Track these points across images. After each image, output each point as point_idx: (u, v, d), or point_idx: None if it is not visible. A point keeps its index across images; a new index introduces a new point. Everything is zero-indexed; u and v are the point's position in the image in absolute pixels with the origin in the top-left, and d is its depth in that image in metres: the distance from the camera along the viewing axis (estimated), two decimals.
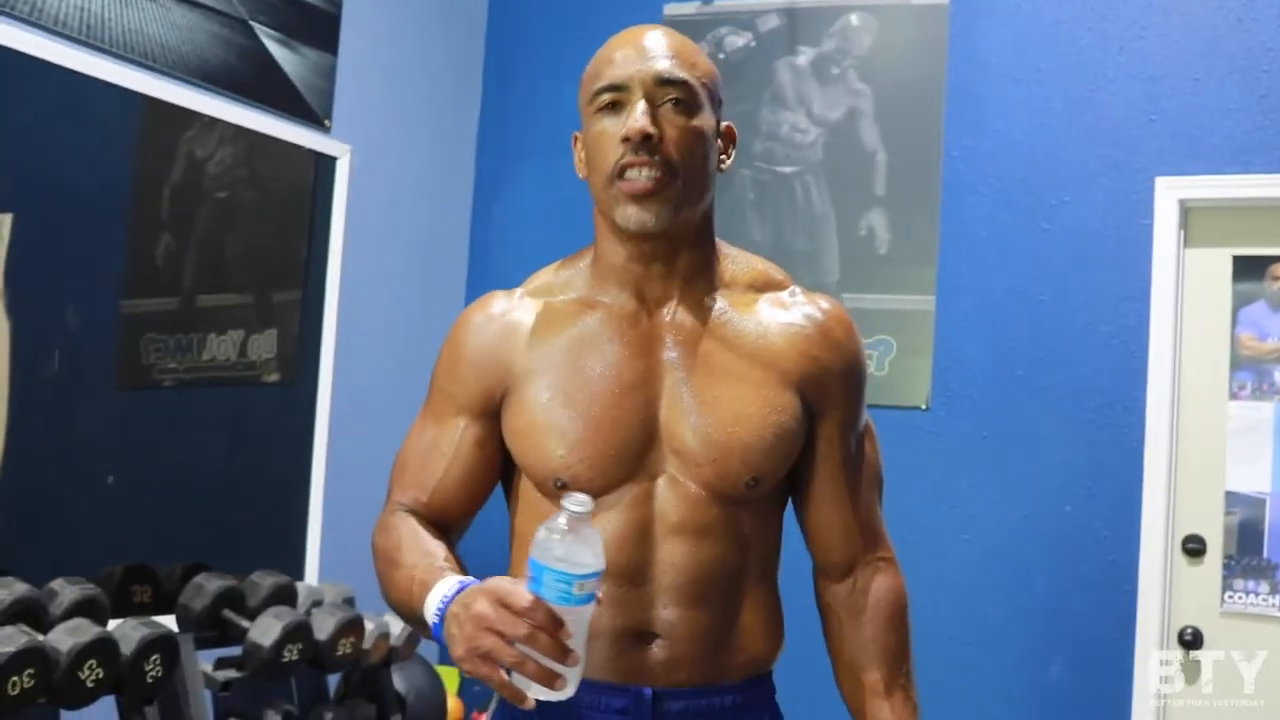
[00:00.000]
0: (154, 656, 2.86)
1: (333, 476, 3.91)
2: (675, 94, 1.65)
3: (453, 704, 4.04)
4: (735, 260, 1.80)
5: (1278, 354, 3.61)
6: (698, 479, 1.66)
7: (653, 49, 1.67)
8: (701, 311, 1.72)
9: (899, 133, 3.99)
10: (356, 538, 3.91)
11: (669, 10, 4.27)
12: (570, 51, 4.44)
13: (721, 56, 4.20)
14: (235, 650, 3.19)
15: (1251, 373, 3.63)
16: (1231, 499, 3.62)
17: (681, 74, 1.66)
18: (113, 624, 2.87)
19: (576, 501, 1.39)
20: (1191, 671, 3.60)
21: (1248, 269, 3.66)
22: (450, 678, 4.20)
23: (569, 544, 1.38)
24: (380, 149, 4.10)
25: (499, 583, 1.41)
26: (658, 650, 1.65)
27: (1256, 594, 3.57)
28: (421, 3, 4.33)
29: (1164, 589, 3.61)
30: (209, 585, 3.22)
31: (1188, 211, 3.71)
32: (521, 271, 4.65)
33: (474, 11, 4.60)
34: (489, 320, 1.75)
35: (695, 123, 1.67)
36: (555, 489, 1.64)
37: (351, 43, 3.95)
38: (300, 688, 3.61)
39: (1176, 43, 3.71)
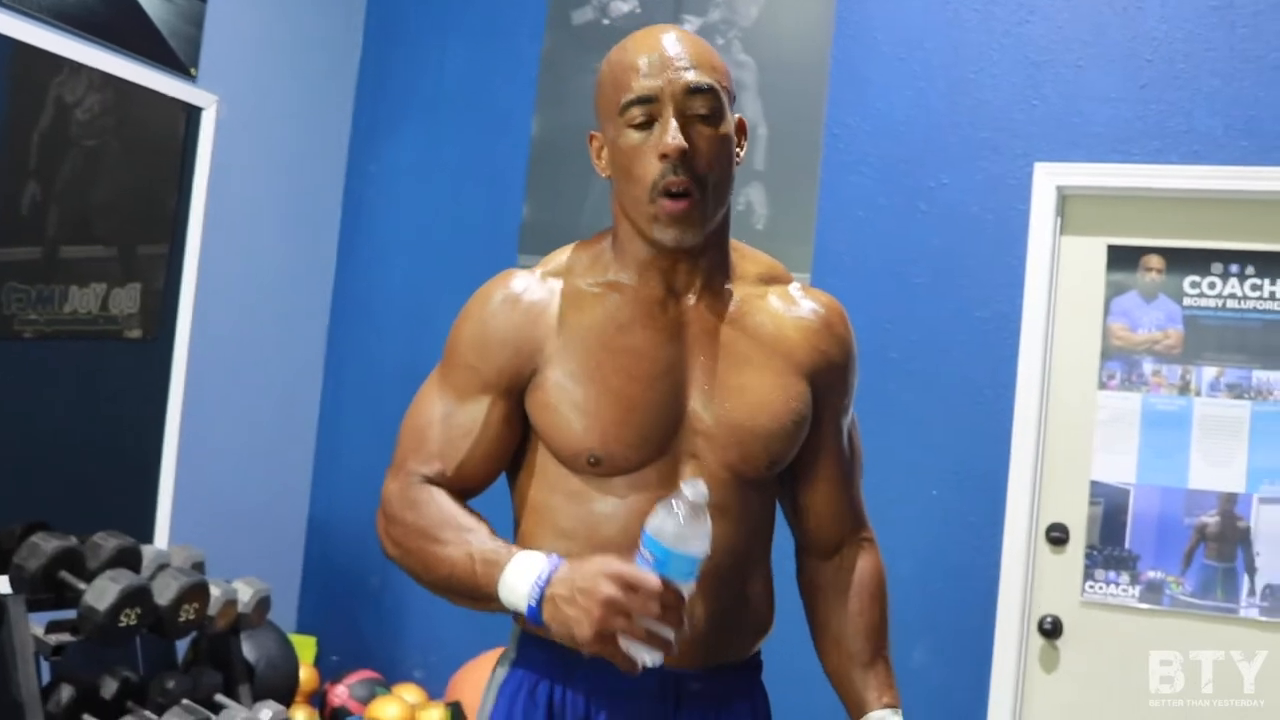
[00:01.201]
0: None
1: (188, 438, 3.80)
2: (704, 103, 1.70)
3: (306, 673, 3.95)
4: (745, 255, 1.89)
5: (1148, 345, 3.61)
6: (722, 461, 1.75)
7: (677, 57, 1.71)
8: (722, 302, 1.81)
9: (781, 107, 3.94)
10: (210, 501, 3.86)
11: None
12: (455, 9, 4.37)
13: (606, 22, 4.12)
14: (72, 614, 3.09)
15: (1121, 363, 3.63)
16: (1096, 489, 3.62)
17: (708, 81, 1.71)
18: None
19: (697, 489, 1.50)
20: (1049, 661, 3.60)
21: (1122, 259, 3.65)
22: (304, 647, 4.11)
23: (696, 526, 1.50)
24: (250, 101, 3.97)
25: (618, 566, 1.50)
26: (689, 629, 1.63)
27: (1117, 584, 3.57)
28: None
29: (1026, 577, 3.60)
30: (45, 545, 3.12)
31: (1065, 199, 3.70)
32: (397, 233, 4.61)
33: None
34: (515, 299, 1.78)
35: (722, 130, 1.73)
36: (588, 465, 1.72)
37: None
38: (145, 654, 3.52)
39: (1061, 28, 3.68)
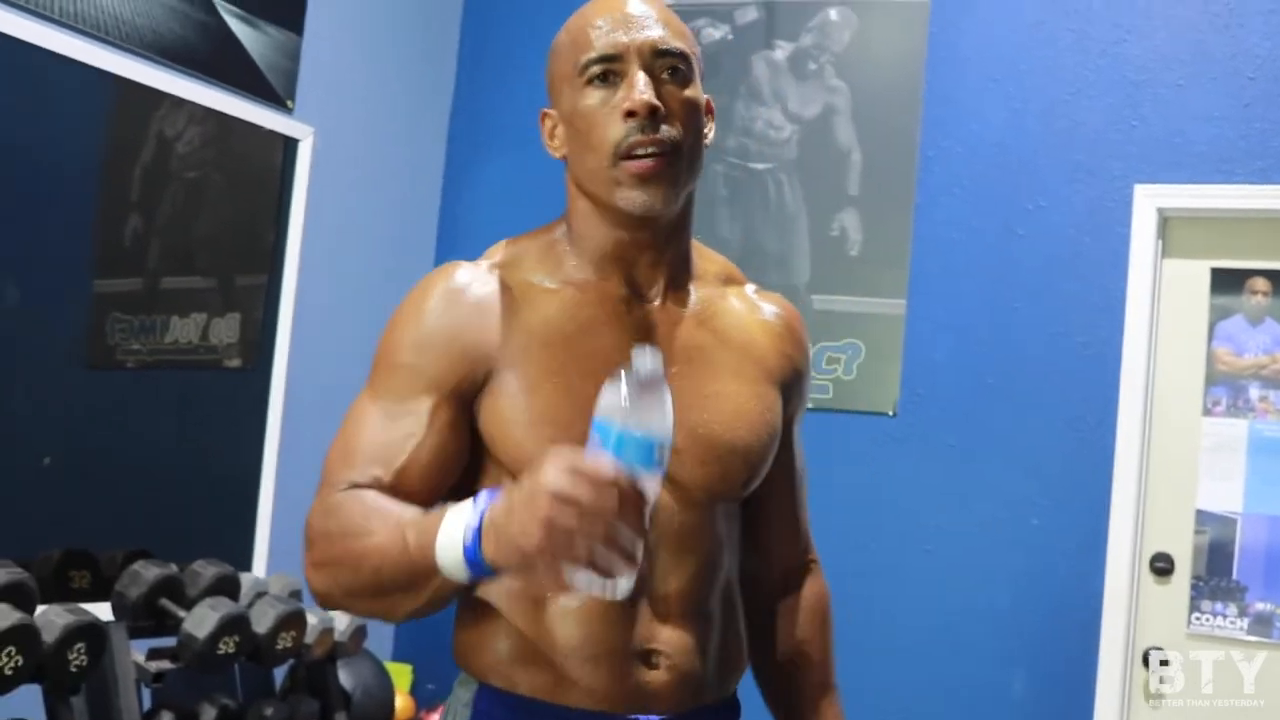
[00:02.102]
0: (78, 645, 2.79)
1: (286, 466, 3.84)
2: (673, 64, 1.54)
3: (402, 701, 3.97)
4: (701, 253, 1.70)
5: (1254, 370, 3.52)
6: (698, 479, 1.54)
7: (642, 16, 1.55)
8: (688, 302, 1.63)
9: (874, 132, 3.91)
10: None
11: None
12: (547, 38, 4.36)
13: (697, 50, 4.11)
14: (173, 641, 3.13)
15: (1227, 389, 3.54)
16: (1202, 517, 3.54)
17: (678, 44, 1.56)
18: (42, 609, 2.81)
19: (650, 359, 1.26)
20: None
21: (1226, 282, 3.58)
22: (400, 675, 4.13)
23: (653, 405, 1.26)
24: (346, 132, 4.02)
25: (566, 457, 1.23)
26: (664, 672, 1.50)
27: (1224, 616, 3.48)
28: None
29: (1130, 608, 3.52)
30: (146, 573, 3.16)
31: (1166, 221, 3.63)
32: None
33: None
34: (459, 294, 1.56)
35: (691, 94, 1.56)
36: None
37: (318, 22, 3.87)
38: (244, 681, 3.55)
39: (1159, 47, 3.62)
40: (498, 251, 1.63)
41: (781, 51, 4.02)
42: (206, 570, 3.28)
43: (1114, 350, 3.59)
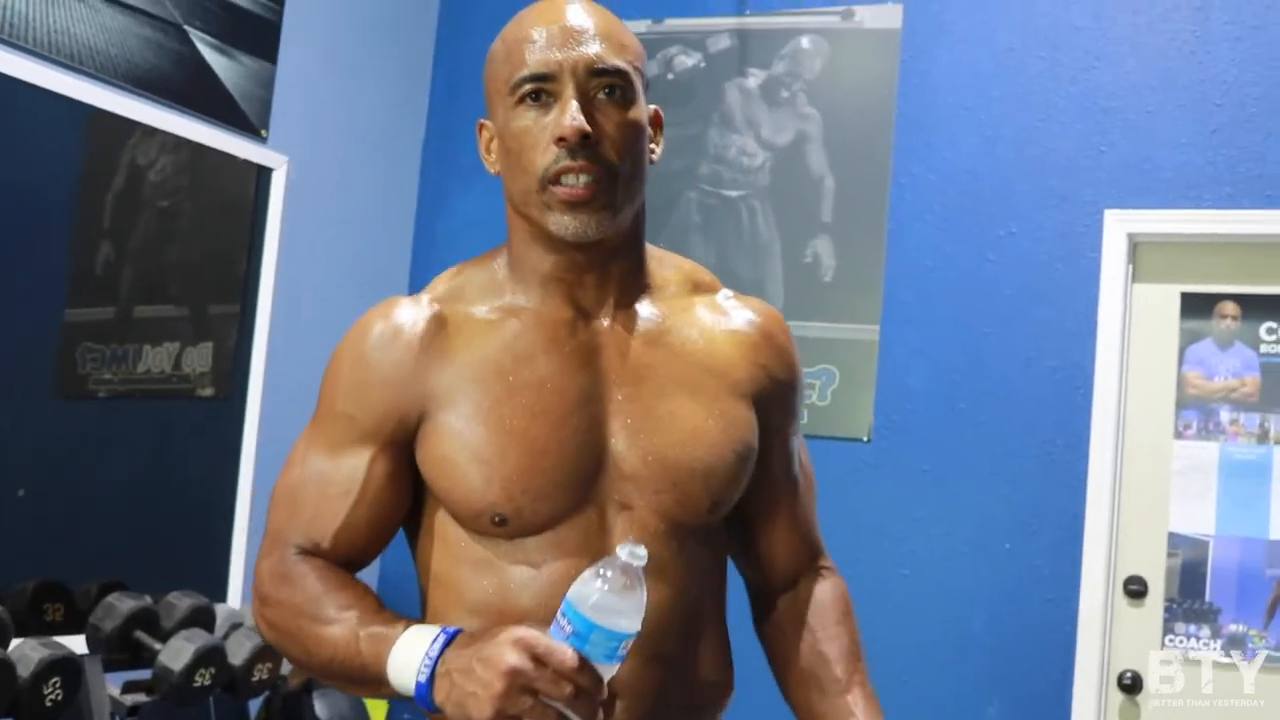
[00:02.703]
0: (54, 679, 2.78)
1: (261, 496, 3.82)
2: (610, 83, 1.47)
3: None
4: (662, 261, 1.64)
5: (1224, 393, 3.55)
6: (654, 507, 1.48)
7: (579, 29, 1.47)
8: (640, 319, 1.55)
9: (847, 159, 3.93)
10: None
11: None
12: None
13: (670, 77, 4.13)
14: (148, 673, 3.12)
15: (1197, 412, 3.57)
16: (1174, 540, 3.56)
17: (616, 61, 1.47)
18: (16, 643, 2.79)
19: (635, 554, 1.27)
20: (1129, 716, 3.53)
21: (1196, 306, 3.61)
22: (376, 707, 4.11)
23: (624, 599, 1.26)
24: (320, 161, 4.02)
25: (527, 633, 1.27)
26: (619, 714, 1.40)
27: (1198, 638, 3.50)
28: (367, 14, 4.25)
29: (1104, 630, 3.54)
30: (121, 605, 3.14)
31: (1136, 246, 3.66)
32: None
33: (422, 24, 4.53)
34: (395, 333, 1.52)
35: (632, 115, 1.49)
36: (493, 525, 1.45)
37: (292, 51, 3.87)
38: (219, 713, 3.53)
39: (1129, 74, 3.66)
40: (441, 283, 1.59)
41: (754, 79, 4.05)
42: (181, 602, 3.27)
43: (1086, 374, 3.62)
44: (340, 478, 1.51)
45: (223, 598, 3.70)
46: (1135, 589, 3.56)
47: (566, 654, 1.24)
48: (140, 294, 3.55)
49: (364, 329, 1.56)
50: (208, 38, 3.59)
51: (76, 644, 3.02)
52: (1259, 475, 3.50)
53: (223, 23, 3.64)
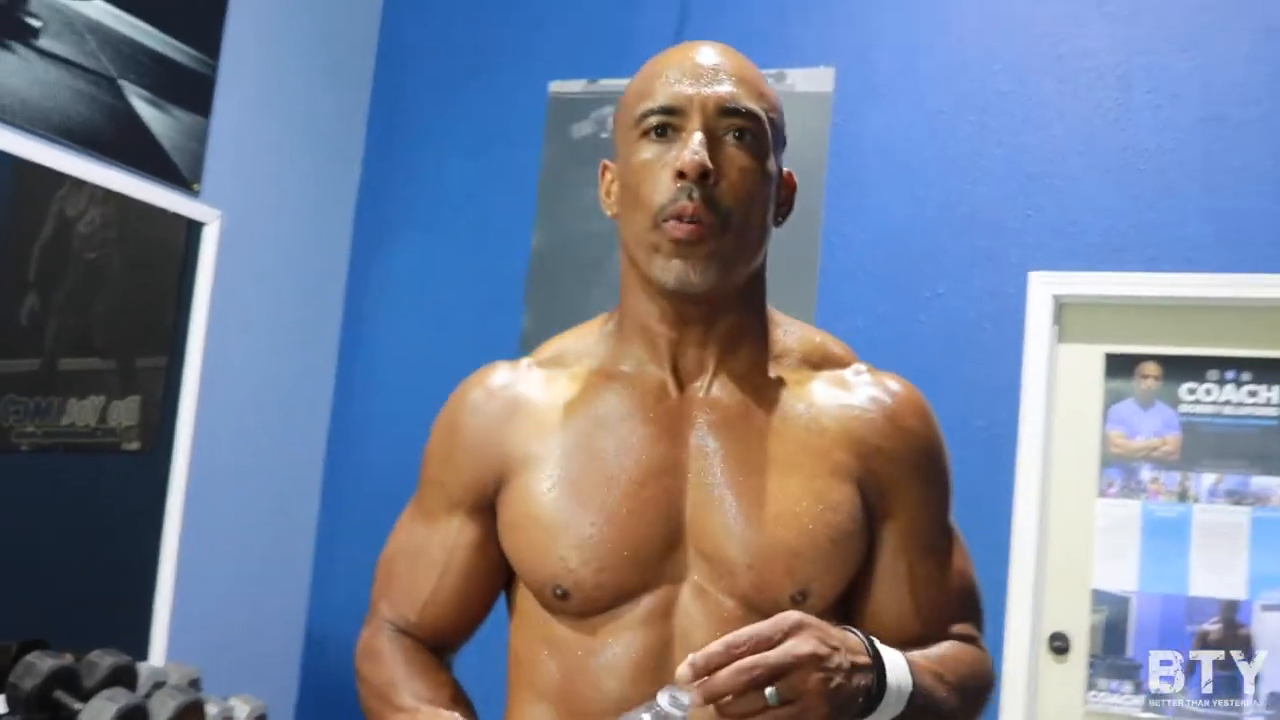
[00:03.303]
0: None
1: (187, 552, 3.79)
2: (740, 125, 1.38)
3: None
4: (788, 330, 1.51)
5: (1146, 452, 3.62)
6: (731, 590, 1.35)
7: (715, 68, 1.39)
8: (743, 387, 1.43)
9: None
10: (207, 616, 3.83)
11: (554, 87, 4.24)
12: (455, 123, 4.43)
13: (604, 136, 4.16)
14: None
15: (1120, 470, 3.64)
16: (1098, 597, 3.61)
17: (749, 104, 1.38)
18: None
19: (677, 701, 1.14)
20: None
21: (1119, 367, 3.68)
22: None
23: None
24: (252, 215, 4.01)
25: None
26: None
27: (1120, 693, 3.55)
28: (304, 69, 4.26)
29: (1029, 686, 3.57)
30: (41, 664, 3.10)
31: (1062, 307, 3.73)
32: (396, 343, 4.61)
33: (357, 79, 4.54)
34: (488, 397, 1.47)
35: (759, 163, 1.39)
36: (555, 599, 1.37)
37: (226, 106, 3.87)
38: None
39: (1055, 140, 3.73)
40: (549, 345, 1.53)
41: None
42: (103, 660, 3.23)
43: (1011, 432, 3.67)
44: (431, 548, 1.48)
45: (145, 656, 3.66)
46: (1059, 645, 3.61)
47: None
48: (66, 346, 3.52)
49: (458, 396, 1.51)
50: (141, 91, 3.58)
51: None
52: (1179, 533, 3.57)
53: (156, 76, 3.63)
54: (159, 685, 3.28)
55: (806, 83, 3.99)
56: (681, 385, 1.44)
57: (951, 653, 1.45)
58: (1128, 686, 3.55)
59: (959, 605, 1.52)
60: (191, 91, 3.76)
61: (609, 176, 1.46)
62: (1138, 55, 3.68)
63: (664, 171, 1.35)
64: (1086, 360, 3.71)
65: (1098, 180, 3.69)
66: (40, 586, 3.44)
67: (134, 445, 3.71)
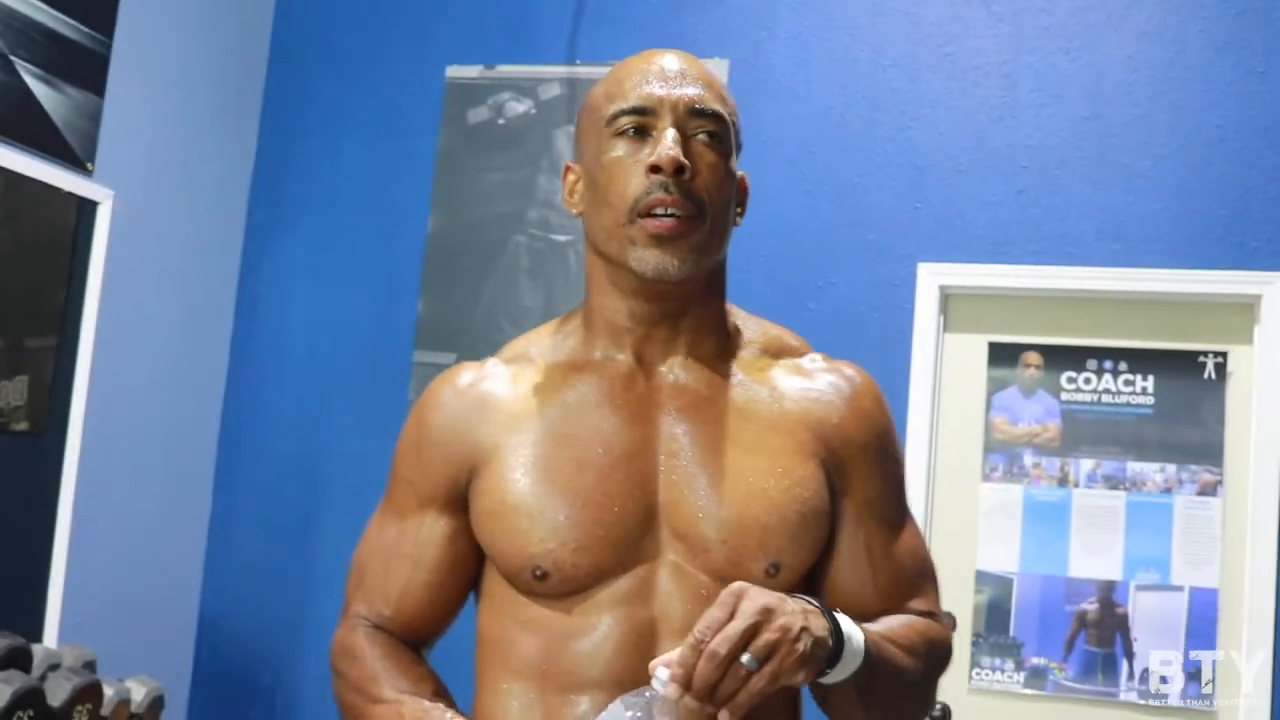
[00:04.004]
0: None
1: (79, 533, 3.74)
2: (709, 126, 1.45)
3: None
4: (747, 324, 1.61)
5: (1028, 438, 3.75)
6: (707, 567, 1.40)
7: (683, 73, 1.47)
8: (707, 373, 1.50)
9: None
10: (101, 598, 3.79)
11: (451, 72, 4.25)
12: (351, 108, 4.42)
13: (501, 122, 4.19)
14: None
15: (1003, 456, 3.76)
16: (981, 578, 3.73)
17: (716, 106, 1.47)
18: None
19: (663, 685, 1.22)
20: None
21: (1002, 355, 3.80)
22: None
23: None
24: (146, 196, 3.96)
25: None
26: None
27: (1003, 671, 3.67)
28: (199, 50, 4.21)
29: None
30: None
31: (948, 298, 3.84)
32: (289, 327, 4.58)
33: (252, 62, 4.51)
34: (456, 394, 1.52)
35: (725, 162, 1.47)
36: (535, 580, 1.41)
37: (120, 85, 3.82)
38: None
39: (943, 135, 3.84)
40: (513, 345, 1.59)
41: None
42: None
43: (899, 419, 3.74)
44: (403, 545, 1.52)
45: (39, 638, 3.61)
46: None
47: None
48: None
49: (426, 395, 1.56)
50: (33, 68, 3.53)
51: None
52: (1059, 516, 3.70)
53: (49, 53, 3.58)
54: (54, 667, 3.24)
55: None
56: (649, 373, 1.50)
57: (904, 621, 1.51)
58: (1010, 664, 3.67)
59: (914, 579, 1.59)
60: (85, 69, 3.71)
61: (572, 177, 1.53)
62: (1023, 55, 3.81)
63: (636, 168, 1.42)
64: (971, 349, 3.83)
65: (984, 176, 3.80)
66: None
67: (22, 426, 3.66)
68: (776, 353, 1.58)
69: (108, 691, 3.32)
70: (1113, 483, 3.68)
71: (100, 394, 3.80)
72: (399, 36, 4.39)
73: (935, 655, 1.55)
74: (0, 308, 3.57)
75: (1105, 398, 3.71)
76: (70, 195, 3.69)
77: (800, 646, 1.24)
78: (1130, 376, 3.70)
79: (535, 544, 1.41)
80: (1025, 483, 3.74)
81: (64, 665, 3.29)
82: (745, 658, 1.21)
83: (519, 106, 4.20)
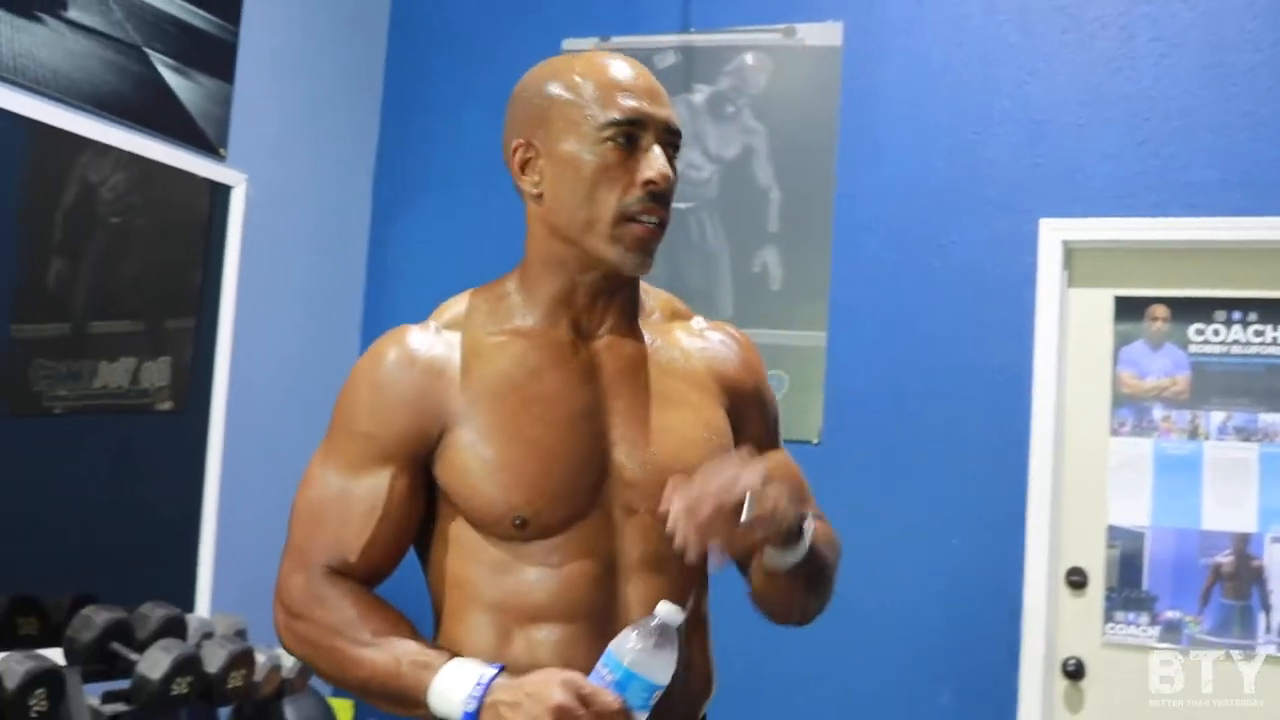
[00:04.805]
0: (38, 690, 2.84)
1: (226, 506, 3.87)
2: (675, 143, 1.65)
3: None
4: (647, 292, 1.79)
5: (1156, 392, 3.72)
6: (651, 509, 1.58)
7: (660, 92, 1.65)
8: (632, 340, 1.71)
9: (792, 171, 4.06)
10: (250, 569, 3.90)
11: (567, 44, 4.30)
12: (469, 82, 4.49)
13: None
14: (125, 683, 3.16)
15: (1132, 410, 3.74)
16: (1113, 532, 3.72)
17: (678, 127, 1.66)
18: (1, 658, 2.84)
19: (671, 612, 1.45)
20: (1074, 702, 3.69)
21: (1128, 309, 3.77)
22: (343, 711, 4.17)
23: (660, 654, 1.43)
24: (276, 177, 4.08)
25: (574, 676, 1.44)
26: None
27: (1137, 625, 3.66)
28: (320, 32, 4.32)
29: (1048, 620, 3.68)
30: (97, 617, 3.19)
31: (1071, 252, 3.82)
32: (418, 301, 4.64)
33: (373, 41, 4.61)
34: (411, 358, 1.64)
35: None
36: (514, 528, 1.57)
37: (248, 71, 3.93)
38: None
39: (1060, 89, 3.82)
40: (446, 310, 1.71)
41: (700, 94, 4.17)
42: (155, 612, 3.32)
43: (1025, 376, 3.76)
44: (363, 494, 1.62)
45: (191, 607, 3.75)
46: (1076, 580, 3.72)
47: (609, 697, 1.42)
48: (95, 309, 3.58)
49: (378, 355, 1.67)
50: (167, 59, 3.65)
51: (52, 656, 3.06)
52: (1190, 469, 3.67)
53: (181, 44, 3.69)
54: (208, 636, 3.37)
55: (815, 37, 4.07)
56: (585, 341, 1.69)
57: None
58: (1144, 618, 3.66)
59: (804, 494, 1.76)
60: (215, 58, 3.82)
61: (523, 154, 1.66)
62: (1140, 5, 3.76)
63: (624, 176, 1.59)
64: (1097, 304, 3.80)
65: (1103, 128, 3.77)
66: (86, 544, 3.52)
67: (166, 405, 3.79)
68: (672, 316, 1.79)
69: (260, 658, 3.45)
70: (1245, 435, 3.64)
71: (241, 371, 3.92)
72: (515, 10, 4.46)
73: (837, 551, 1.76)
74: (141, 292, 3.71)
75: (1235, 349, 3.67)
76: (204, 180, 3.81)
77: (783, 515, 1.48)
78: (1260, 327, 3.66)
79: (517, 496, 1.57)
80: (1155, 436, 3.72)
81: (217, 633, 3.42)
82: (744, 511, 1.44)
83: None
